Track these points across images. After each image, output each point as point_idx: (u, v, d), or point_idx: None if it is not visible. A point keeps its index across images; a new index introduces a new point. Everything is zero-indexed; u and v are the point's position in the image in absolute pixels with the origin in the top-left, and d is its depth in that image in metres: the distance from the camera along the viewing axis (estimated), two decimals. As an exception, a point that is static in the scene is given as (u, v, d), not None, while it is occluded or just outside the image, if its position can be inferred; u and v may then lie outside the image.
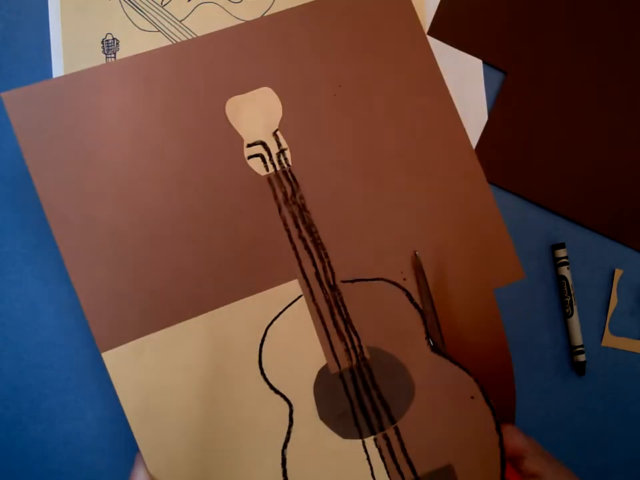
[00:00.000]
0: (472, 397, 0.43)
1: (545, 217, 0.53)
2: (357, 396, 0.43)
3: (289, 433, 0.43)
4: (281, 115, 0.45)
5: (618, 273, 0.53)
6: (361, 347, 0.44)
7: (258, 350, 0.43)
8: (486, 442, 0.42)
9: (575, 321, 0.52)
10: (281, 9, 0.53)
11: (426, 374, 0.44)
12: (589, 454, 0.52)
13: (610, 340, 0.52)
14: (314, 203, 0.45)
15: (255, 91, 0.45)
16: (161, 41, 0.53)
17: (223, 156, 0.44)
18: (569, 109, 0.53)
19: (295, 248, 0.44)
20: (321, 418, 0.43)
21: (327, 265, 0.44)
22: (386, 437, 0.43)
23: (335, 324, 0.44)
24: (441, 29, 0.54)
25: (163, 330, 0.43)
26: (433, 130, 0.46)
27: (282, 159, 0.44)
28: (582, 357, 0.52)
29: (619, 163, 0.53)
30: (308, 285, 0.44)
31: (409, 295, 0.44)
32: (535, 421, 0.52)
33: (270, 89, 0.45)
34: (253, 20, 0.45)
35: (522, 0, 0.54)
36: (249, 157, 0.44)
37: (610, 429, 0.52)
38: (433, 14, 0.54)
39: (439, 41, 0.54)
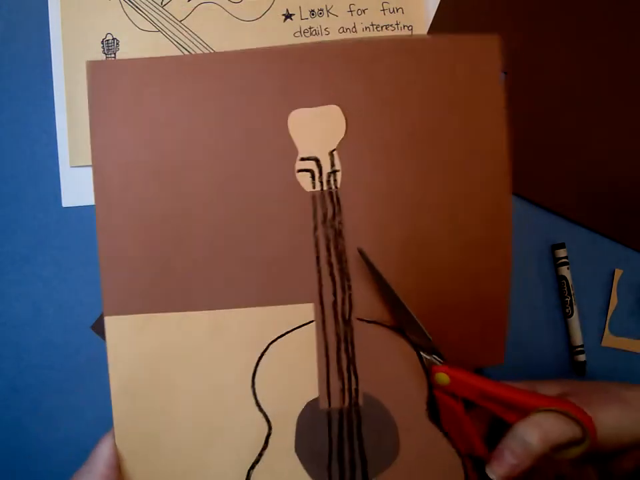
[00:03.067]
0: (450, 465, 0.41)
1: (545, 217, 0.53)
2: (338, 440, 0.42)
3: (260, 455, 0.42)
4: (343, 136, 0.44)
5: (618, 273, 0.53)
6: (357, 390, 0.42)
7: (255, 362, 0.43)
8: None
9: (574, 321, 0.52)
10: (281, 10, 0.53)
11: (415, 440, 0.42)
12: (589, 454, 0.52)
13: (610, 340, 0.52)
14: (352, 231, 0.43)
15: (322, 106, 0.44)
16: (161, 41, 0.53)
17: (275, 164, 0.44)
18: (568, 108, 0.53)
19: (319, 271, 0.43)
20: (296, 450, 0.42)
21: (347, 297, 0.43)
22: None
23: (338, 360, 0.42)
24: (441, 29, 0.54)
25: (169, 313, 0.42)
26: (481, 191, 0.45)
27: (331, 179, 0.44)
28: (582, 357, 0.52)
29: (619, 163, 0.53)
30: (322, 312, 0.43)
31: (420, 355, 0.42)
32: (535, 420, 0.52)
33: (338, 107, 0.44)
34: (338, 40, 0.45)
35: (522, 0, 0.54)
36: (299, 171, 0.44)
37: (610, 428, 0.52)
38: (433, 14, 0.54)
39: (439, 41, 0.54)
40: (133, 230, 0.43)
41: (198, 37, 0.53)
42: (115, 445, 0.42)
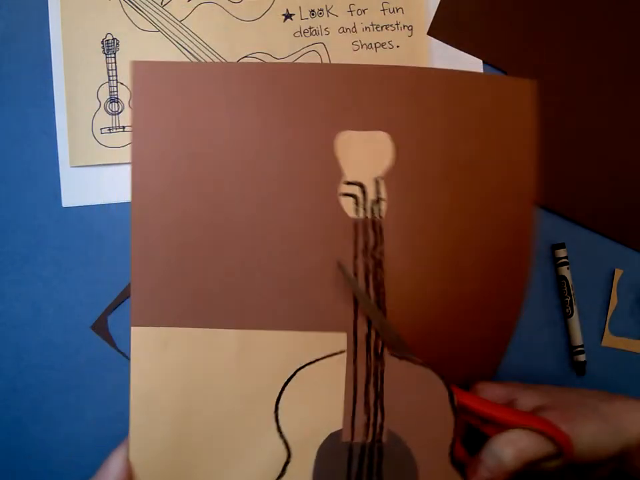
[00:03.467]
0: None
1: (545, 217, 0.53)
2: (357, 475, 0.41)
3: None
4: (390, 164, 0.43)
5: (618, 273, 0.53)
6: (382, 427, 0.41)
7: (280, 387, 0.41)
8: None
9: (575, 321, 0.52)
10: (281, 10, 0.53)
11: None
12: (589, 454, 0.52)
13: (610, 340, 0.52)
14: (392, 263, 0.42)
15: (373, 131, 0.43)
16: (161, 41, 0.53)
17: (319, 185, 0.42)
18: (568, 108, 0.53)
19: (355, 302, 0.42)
20: None
21: (382, 329, 0.41)
22: None
23: (366, 394, 0.41)
24: (441, 28, 0.54)
25: (195, 329, 0.41)
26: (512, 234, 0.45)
27: (375, 208, 0.42)
28: (582, 357, 0.52)
29: (619, 163, 0.53)
30: (355, 344, 0.41)
31: (451, 395, 0.41)
32: (535, 420, 0.52)
33: (387, 134, 0.43)
34: (391, 65, 0.44)
35: (522, 0, 0.54)
36: (343, 195, 0.42)
37: (610, 428, 0.52)
38: (433, 14, 0.54)
39: (439, 41, 0.54)
40: (167, 239, 0.41)
41: (198, 36, 0.53)
42: (127, 459, 0.41)
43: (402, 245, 0.43)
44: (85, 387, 0.51)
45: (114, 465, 0.41)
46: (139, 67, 0.42)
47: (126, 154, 0.52)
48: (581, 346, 0.52)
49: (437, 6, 0.54)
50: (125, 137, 0.53)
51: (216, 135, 0.42)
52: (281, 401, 0.41)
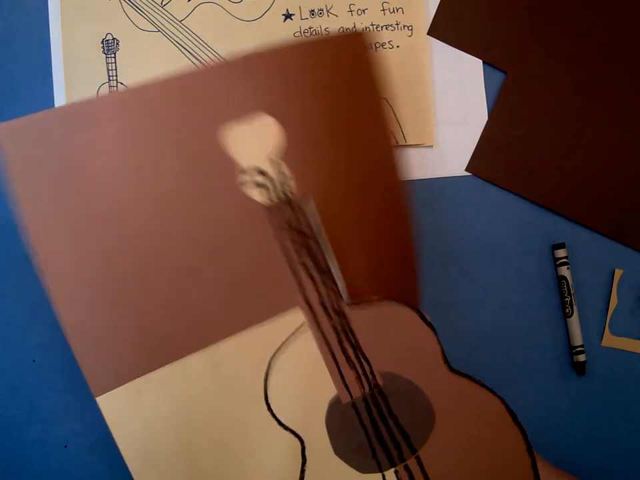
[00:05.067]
0: (498, 418, 0.40)
1: (545, 216, 0.53)
2: (372, 426, 0.41)
3: (302, 471, 0.41)
4: (282, 141, 0.43)
5: (618, 273, 0.53)
6: (372, 373, 0.42)
7: (263, 385, 0.41)
8: (517, 466, 0.40)
9: (574, 321, 0.52)
10: (281, 10, 0.53)
11: (446, 397, 0.41)
12: (589, 454, 0.52)
13: (610, 340, 0.52)
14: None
15: (250, 116, 0.43)
16: (161, 41, 0.53)
17: (222, 185, 0.42)
18: (569, 108, 0.53)
19: (296, 274, 0.42)
20: (336, 453, 0.41)
21: (330, 289, 0.42)
22: (407, 469, 0.41)
23: (344, 351, 0.42)
24: (441, 28, 0.54)
25: (161, 368, 0.41)
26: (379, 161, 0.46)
27: (286, 187, 0.43)
28: (582, 357, 0.52)
29: (619, 163, 0.53)
30: (312, 311, 0.42)
31: (420, 314, 0.42)
32: (535, 420, 0.52)
33: (266, 114, 0.43)
34: (253, 53, 0.44)
35: (522, 0, 0.54)
36: (248, 184, 0.43)
37: (610, 428, 0.52)
38: (433, 14, 0.54)
39: (439, 41, 0.54)
40: (92, 293, 0.40)
41: (198, 36, 0.53)
42: None
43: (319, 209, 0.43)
44: (84, 387, 0.51)
45: None
46: (2, 130, 0.40)
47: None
48: (581, 346, 0.52)
49: (436, 6, 0.54)
50: (125, 137, 0.53)
51: (103, 172, 0.41)
52: (269, 396, 0.41)
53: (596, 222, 0.53)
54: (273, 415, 0.41)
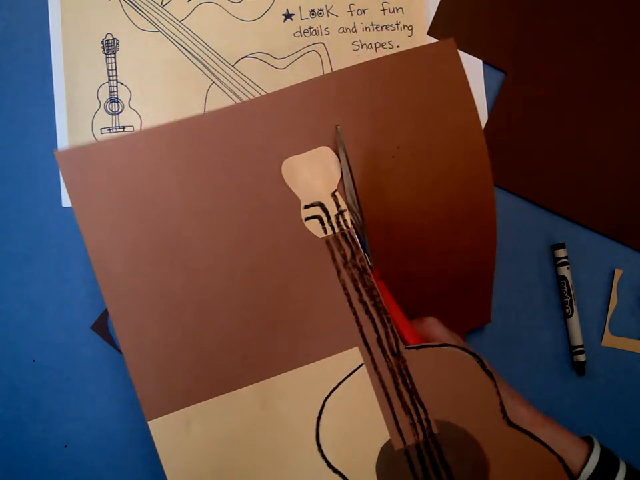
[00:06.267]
0: (555, 478, 0.38)
1: (545, 217, 0.53)
2: (424, 476, 0.39)
3: None
4: (340, 175, 0.43)
5: (618, 273, 0.53)
6: (428, 420, 0.40)
7: (315, 424, 0.40)
8: None
9: (574, 321, 0.52)
10: (281, 10, 0.53)
11: (501, 450, 0.39)
12: (589, 454, 0.52)
13: (610, 340, 0.52)
14: (375, 259, 0.42)
15: (312, 150, 0.43)
16: (161, 41, 0.53)
17: (280, 218, 0.42)
18: (569, 108, 0.53)
19: (355, 313, 0.41)
20: None
21: (389, 330, 0.41)
22: None
23: (399, 395, 0.40)
24: (441, 29, 0.54)
25: (212, 399, 0.40)
26: (466, 189, 0.46)
27: (341, 220, 0.42)
28: (582, 357, 0.52)
29: (618, 163, 0.53)
30: (369, 352, 0.41)
31: (480, 361, 0.40)
32: (535, 420, 0.52)
33: (328, 148, 0.43)
34: (310, 80, 0.43)
35: (522, 0, 0.54)
36: (307, 219, 0.42)
37: (610, 428, 0.52)
38: (433, 14, 0.54)
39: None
40: (151, 320, 0.40)
41: (198, 36, 0.53)
42: None
43: (377, 245, 0.43)
44: (85, 387, 0.51)
45: None
46: (64, 158, 0.41)
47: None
48: (581, 346, 0.52)
49: (436, 6, 0.54)
50: (125, 137, 0.53)
51: (166, 202, 0.41)
52: (320, 437, 0.40)
53: (596, 222, 0.53)
54: (323, 456, 0.40)
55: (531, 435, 0.39)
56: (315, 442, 0.40)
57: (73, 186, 0.41)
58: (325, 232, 0.42)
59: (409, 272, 0.45)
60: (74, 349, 0.51)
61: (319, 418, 0.40)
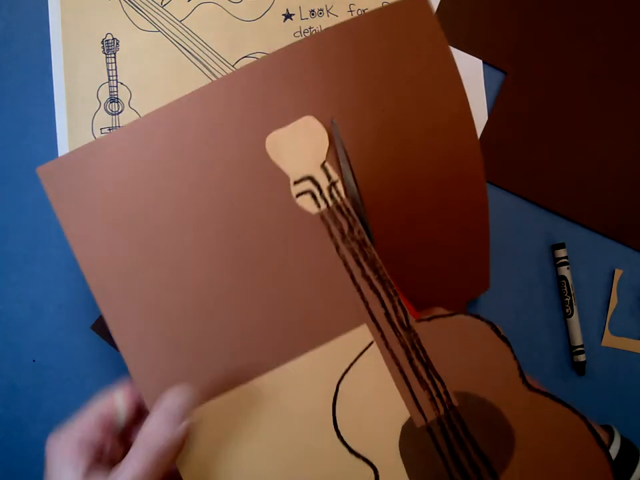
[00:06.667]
0: (580, 437, 0.38)
1: (545, 217, 0.53)
2: (449, 451, 0.38)
3: None
4: (328, 144, 0.41)
5: (618, 273, 0.53)
6: (447, 393, 0.38)
7: (331, 409, 0.39)
8: None
9: (574, 321, 0.52)
10: (281, 10, 0.53)
11: (525, 416, 0.38)
12: (589, 454, 0.52)
13: (610, 340, 0.52)
14: (374, 231, 0.41)
15: (295, 122, 0.40)
16: (161, 41, 0.53)
17: (269, 198, 0.40)
18: (569, 108, 0.53)
19: (359, 289, 0.39)
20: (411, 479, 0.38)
21: (397, 303, 0.39)
22: None
23: (415, 370, 0.39)
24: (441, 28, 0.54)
25: (221, 396, 0.39)
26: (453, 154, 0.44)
27: (334, 192, 0.40)
28: (582, 357, 0.52)
29: (619, 163, 0.53)
30: (379, 328, 0.39)
31: (494, 327, 0.39)
32: (535, 420, 0.52)
33: (312, 117, 0.41)
34: (285, 47, 0.41)
35: (522, 0, 0.54)
36: (298, 195, 0.40)
37: (610, 429, 0.52)
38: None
39: (439, 41, 0.54)
40: (151, 325, 0.39)
41: (198, 36, 0.53)
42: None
43: (372, 215, 0.41)
44: (85, 387, 0.51)
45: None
46: (43, 172, 0.39)
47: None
48: (581, 346, 0.52)
49: (436, 6, 0.54)
50: (125, 137, 0.53)
51: (148, 196, 0.40)
52: (338, 422, 0.39)
53: (596, 222, 0.53)
54: (344, 442, 0.38)
55: (552, 397, 0.38)
56: (333, 429, 0.39)
57: (56, 199, 0.39)
58: (319, 206, 0.40)
59: (405, 245, 0.44)
60: (74, 349, 0.51)
61: (334, 403, 0.39)
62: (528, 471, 0.38)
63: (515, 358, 0.38)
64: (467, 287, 0.47)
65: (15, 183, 0.52)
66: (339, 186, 0.40)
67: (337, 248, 0.40)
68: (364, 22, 0.42)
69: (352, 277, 0.40)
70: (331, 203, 0.40)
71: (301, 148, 0.40)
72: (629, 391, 0.52)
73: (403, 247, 0.44)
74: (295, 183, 0.40)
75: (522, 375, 0.38)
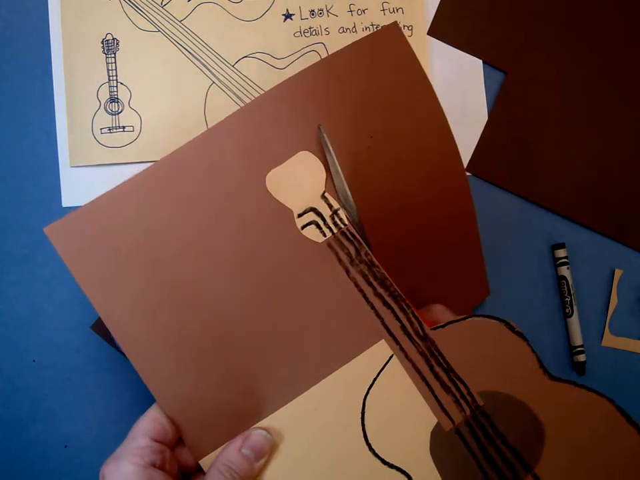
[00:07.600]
0: (611, 419, 0.38)
1: (545, 216, 0.53)
2: (481, 450, 0.39)
3: None
4: (325, 175, 0.42)
5: (618, 273, 0.53)
6: (470, 394, 0.39)
7: (360, 425, 0.40)
8: (636, 463, 0.38)
9: (574, 321, 0.52)
10: (281, 10, 0.53)
11: (551, 406, 0.39)
12: (589, 454, 0.52)
13: (610, 340, 0.52)
14: (378, 252, 0.42)
15: (291, 158, 0.42)
16: (161, 41, 0.53)
17: (276, 233, 0.41)
18: (569, 108, 0.53)
19: (373, 307, 0.41)
20: None
21: (411, 315, 0.41)
22: None
23: (436, 376, 0.40)
24: (441, 28, 0.54)
25: (255, 426, 0.40)
26: (435, 167, 0.47)
27: (337, 219, 0.42)
28: (582, 357, 0.52)
29: (619, 163, 0.53)
30: (397, 341, 0.40)
31: (508, 324, 0.40)
32: (535, 421, 0.52)
33: (306, 151, 0.42)
34: (272, 88, 0.43)
35: (522, 0, 0.54)
36: (303, 227, 0.42)
37: (610, 429, 0.52)
38: (433, 14, 0.54)
39: (439, 41, 0.54)
40: (179, 368, 0.40)
41: (198, 36, 0.53)
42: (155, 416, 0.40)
43: (374, 236, 0.43)
44: (85, 386, 0.51)
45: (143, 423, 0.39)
46: (51, 232, 0.40)
47: (126, 154, 0.52)
48: (581, 346, 0.52)
49: (436, 6, 0.54)
50: (125, 137, 0.53)
51: (162, 246, 0.41)
52: (368, 437, 0.40)
53: (596, 222, 0.53)
54: (376, 455, 0.39)
55: (575, 383, 0.39)
56: (364, 443, 0.40)
57: (68, 256, 0.40)
58: (324, 235, 0.42)
59: (402, 261, 0.46)
60: (74, 349, 0.51)
61: (362, 418, 0.40)
62: (562, 459, 0.38)
63: (533, 350, 0.39)
64: (468, 297, 0.49)
65: (15, 182, 0.52)
66: (341, 213, 0.42)
67: (347, 272, 0.41)
68: (344, 55, 0.44)
69: (365, 297, 0.41)
70: (335, 230, 0.42)
71: (300, 182, 0.42)
72: (629, 391, 0.52)
73: (401, 262, 0.46)
74: (299, 215, 0.42)
75: (542, 366, 0.39)
